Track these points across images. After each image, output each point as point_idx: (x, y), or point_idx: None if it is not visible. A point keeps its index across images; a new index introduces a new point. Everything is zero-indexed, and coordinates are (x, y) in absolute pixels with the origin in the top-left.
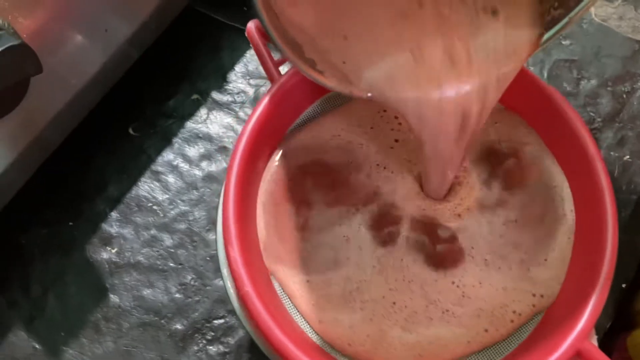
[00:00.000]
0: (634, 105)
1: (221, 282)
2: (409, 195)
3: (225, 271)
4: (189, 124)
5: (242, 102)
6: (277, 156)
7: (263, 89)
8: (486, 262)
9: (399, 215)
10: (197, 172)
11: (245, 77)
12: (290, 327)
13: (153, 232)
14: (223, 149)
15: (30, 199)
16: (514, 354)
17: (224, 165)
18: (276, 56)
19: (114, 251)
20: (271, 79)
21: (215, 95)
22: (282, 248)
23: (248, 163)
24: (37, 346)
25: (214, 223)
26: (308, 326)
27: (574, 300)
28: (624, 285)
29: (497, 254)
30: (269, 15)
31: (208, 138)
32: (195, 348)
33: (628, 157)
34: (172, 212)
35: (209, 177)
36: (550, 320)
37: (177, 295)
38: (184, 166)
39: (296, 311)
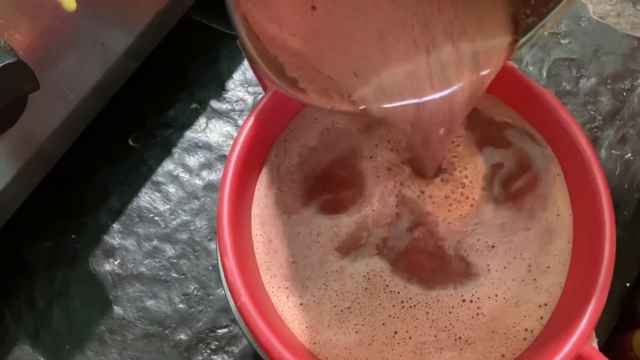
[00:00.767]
0: (634, 102)
1: (224, 292)
2: (410, 198)
3: (225, 280)
4: (189, 134)
5: (241, 110)
6: (270, 164)
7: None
8: (497, 272)
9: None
10: (198, 182)
11: (244, 85)
12: (289, 338)
13: (155, 242)
14: (223, 158)
15: (32, 213)
16: None
17: None
18: None
19: (116, 263)
20: (264, 87)
21: (214, 104)
22: (272, 259)
23: (242, 172)
24: None
25: (215, 232)
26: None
27: (573, 304)
28: (628, 284)
29: (507, 264)
30: (250, 38)
31: (208, 147)
32: (200, 358)
33: (630, 155)
34: (174, 222)
35: (210, 186)
36: (550, 325)
37: (181, 306)
38: (185, 176)
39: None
